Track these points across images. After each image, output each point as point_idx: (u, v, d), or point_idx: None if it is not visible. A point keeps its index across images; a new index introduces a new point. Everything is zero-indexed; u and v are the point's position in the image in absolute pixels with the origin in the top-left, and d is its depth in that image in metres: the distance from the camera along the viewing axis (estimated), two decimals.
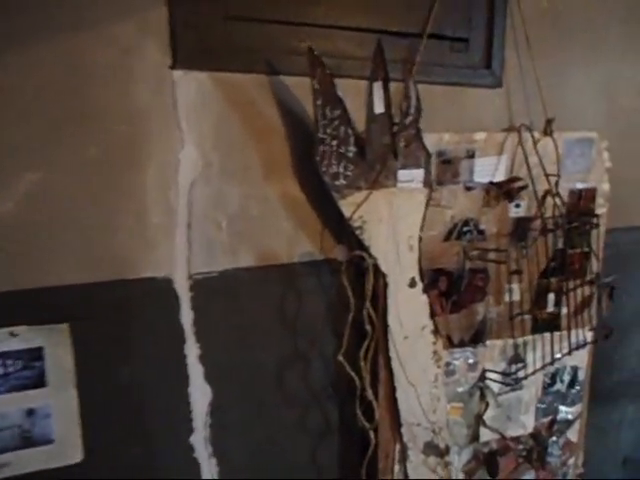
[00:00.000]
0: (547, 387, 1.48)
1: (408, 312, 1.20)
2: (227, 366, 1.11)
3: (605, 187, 1.43)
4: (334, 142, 1.04)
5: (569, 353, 1.41)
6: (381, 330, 1.19)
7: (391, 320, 1.18)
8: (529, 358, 1.38)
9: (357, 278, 1.17)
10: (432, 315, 1.23)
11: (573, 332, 1.44)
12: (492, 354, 1.35)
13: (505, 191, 1.27)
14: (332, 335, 1.20)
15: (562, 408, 1.52)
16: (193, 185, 1.02)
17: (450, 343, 1.29)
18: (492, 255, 1.27)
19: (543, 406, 1.49)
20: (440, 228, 1.22)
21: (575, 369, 1.51)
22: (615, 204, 1.45)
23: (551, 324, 1.41)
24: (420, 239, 1.18)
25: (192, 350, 1.07)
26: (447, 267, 1.24)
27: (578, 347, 1.43)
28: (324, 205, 1.11)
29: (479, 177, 1.24)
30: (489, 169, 1.25)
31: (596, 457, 1.68)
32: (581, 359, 1.50)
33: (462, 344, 1.31)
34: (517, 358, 1.37)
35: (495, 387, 1.36)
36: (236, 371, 1.13)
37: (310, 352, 1.19)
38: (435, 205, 1.20)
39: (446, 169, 1.20)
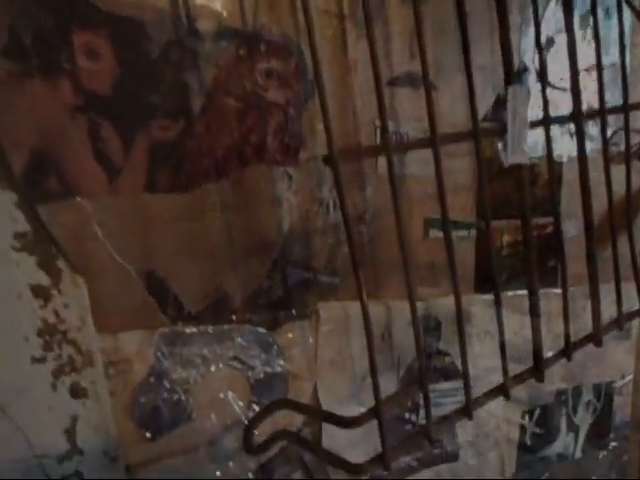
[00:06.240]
0: (531, 445, 0.54)
1: None
2: None
3: None
4: None
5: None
6: None
7: None
8: (480, 362, 0.42)
9: None
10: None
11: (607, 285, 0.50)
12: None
13: None
14: None
15: None
16: None
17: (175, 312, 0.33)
18: None
19: None
20: None
21: (607, 392, 0.57)
22: None
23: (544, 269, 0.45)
24: None
25: None
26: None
27: (624, 321, 0.45)
28: None
29: None
30: None
31: None
32: (619, 363, 0.56)
33: (218, 310, 0.35)
34: (442, 371, 0.42)
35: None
36: None
37: None
38: None
39: None
